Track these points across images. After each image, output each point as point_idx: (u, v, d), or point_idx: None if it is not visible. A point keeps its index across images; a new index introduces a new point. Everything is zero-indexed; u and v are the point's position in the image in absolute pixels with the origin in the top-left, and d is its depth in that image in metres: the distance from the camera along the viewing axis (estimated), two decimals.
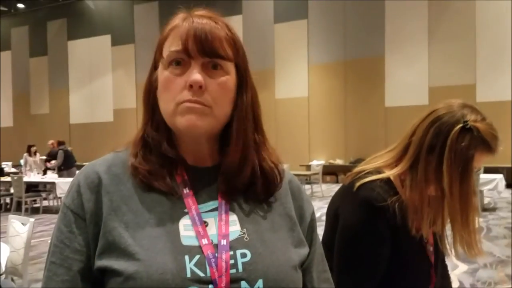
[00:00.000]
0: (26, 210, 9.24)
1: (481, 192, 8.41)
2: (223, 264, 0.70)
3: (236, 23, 16.27)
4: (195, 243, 0.71)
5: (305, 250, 0.82)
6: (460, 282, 4.43)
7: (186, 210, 0.75)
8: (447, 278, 1.37)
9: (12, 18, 21.24)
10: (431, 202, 1.18)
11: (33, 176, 10.10)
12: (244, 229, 0.76)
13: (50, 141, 12.11)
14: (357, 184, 1.17)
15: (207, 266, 0.69)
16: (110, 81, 18.95)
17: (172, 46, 0.75)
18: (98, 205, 0.74)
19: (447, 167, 1.11)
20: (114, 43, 18.80)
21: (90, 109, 19.50)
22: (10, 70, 21.65)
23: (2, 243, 2.98)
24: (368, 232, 1.15)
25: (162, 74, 0.76)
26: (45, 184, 10.02)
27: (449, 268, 1.40)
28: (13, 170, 12.73)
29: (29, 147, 11.64)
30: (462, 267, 4.82)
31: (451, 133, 1.12)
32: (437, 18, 13.54)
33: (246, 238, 0.75)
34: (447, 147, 1.11)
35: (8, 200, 10.03)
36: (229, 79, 0.77)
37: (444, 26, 13.46)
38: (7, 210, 9.48)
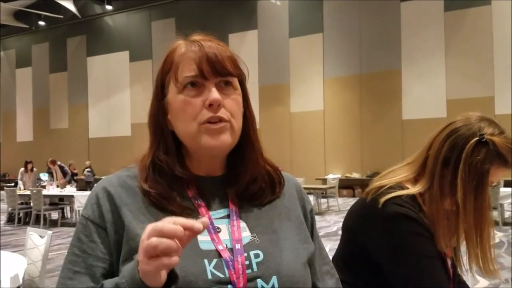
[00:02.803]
0: (45, 223, 9.34)
1: (502, 206, 8.22)
2: (240, 266, 0.75)
3: (251, 38, 16.42)
4: (211, 247, 0.76)
5: (311, 247, 0.87)
6: None
7: (200, 216, 0.79)
8: None
9: (33, 35, 21.78)
10: (450, 216, 1.14)
11: (51, 190, 10.23)
12: (254, 234, 0.81)
13: None
14: (382, 200, 1.13)
15: (226, 269, 0.74)
16: (128, 96, 19.22)
17: (185, 71, 0.79)
18: (117, 215, 0.78)
19: (462, 180, 1.09)
20: (132, 59, 19.10)
21: (108, 123, 19.77)
22: (30, 86, 22.13)
23: (20, 256, 3.01)
24: (411, 240, 1.09)
25: (177, 98, 0.80)
26: (63, 197, 10.13)
27: (469, 283, 1.37)
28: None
29: (26, 163, 11.83)
30: (483, 282, 4.71)
31: (467, 146, 1.10)
32: (454, 31, 13.45)
33: (257, 241, 0.80)
34: (462, 160, 1.09)
35: (27, 213, 10.15)
36: (238, 93, 0.83)
37: (461, 39, 13.36)
38: (26, 223, 9.58)
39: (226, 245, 0.77)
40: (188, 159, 0.84)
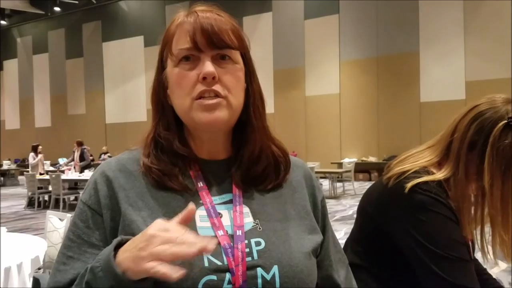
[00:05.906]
0: (64, 206, 9.51)
1: None
2: (239, 253, 0.72)
3: (266, 20, 16.26)
4: (210, 233, 0.73)
5: (318, 237, 0.83)
6: (499, 281, 4.26)
7: (201, 201, 0.77)
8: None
9: (49, 21, 21.92)
10: (474, 202, 1.12)
11: (70, 174, 10.40)
12: (257, 220, 0.78)
13: None
14: (409, 185, 1.09)
15: (224, 256, 0.71)
16: (143, 81, 19.28)
17: (180, 44, 0.76)
18: (114, 200, 0.76)
19: (489, 165, 1.06)
20: (147, 44, 19.11)
21: (124, 109, 19.91)
22: (47, 72, 22.36)
23: (40, 239, 3.08)
24: (443, 225, 1.06)
25: (173, 71, 0.78)
26: (81, 181, 10.30)
27: (487, 266, 1.35)
28: (51, 168, 13.15)
29: (35, 147, 12.00)
30: (501, 265, 4.66)
31: (494, 130, 1.06)
32: (473, 11, 13.12)
33: (260, 228, 0.77)
34: (489, 144, 1.06)
35: (46, 197, 10.36)
36: (239, 67, 0.78)
37: (480, 20, 13.03)
38: (46, 207, 9.78)
39: (227, 231, 0.74)
40: (191, 139, 0.82)
